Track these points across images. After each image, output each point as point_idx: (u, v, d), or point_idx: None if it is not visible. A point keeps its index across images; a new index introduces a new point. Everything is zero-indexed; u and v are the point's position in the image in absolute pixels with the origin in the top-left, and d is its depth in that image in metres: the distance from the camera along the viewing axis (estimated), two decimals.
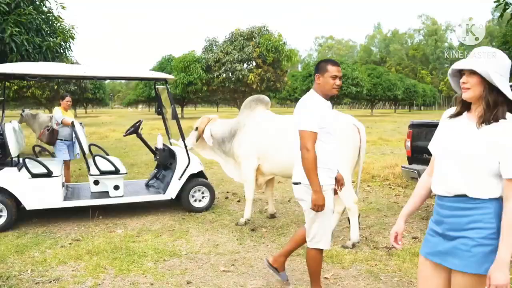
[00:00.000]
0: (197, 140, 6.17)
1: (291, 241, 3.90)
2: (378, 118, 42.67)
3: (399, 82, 56.55)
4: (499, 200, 2.08)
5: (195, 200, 6.52)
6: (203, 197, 6.57)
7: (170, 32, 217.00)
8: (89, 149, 7.00)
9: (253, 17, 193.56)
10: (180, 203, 6.54)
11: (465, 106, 2.23)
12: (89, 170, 6.34)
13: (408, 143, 6.43)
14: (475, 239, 2.06)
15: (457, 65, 2.18)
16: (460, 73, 2.20)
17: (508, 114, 2.07)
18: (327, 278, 4.12)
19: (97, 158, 6.36)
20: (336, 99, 43.73)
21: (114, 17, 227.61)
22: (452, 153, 2.18)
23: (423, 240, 2.39)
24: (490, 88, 2.07)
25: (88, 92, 39.89)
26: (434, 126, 6.30)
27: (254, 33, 29.90)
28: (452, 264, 2.15)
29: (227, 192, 7.95)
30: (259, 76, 28.94)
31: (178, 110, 49.05)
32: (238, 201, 7.18)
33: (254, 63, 29.84)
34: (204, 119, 6.12)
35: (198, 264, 4.49)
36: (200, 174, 6.67)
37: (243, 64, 29.93)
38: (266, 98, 5.93)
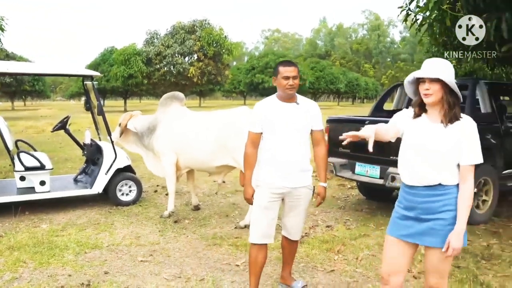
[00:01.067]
0: (120, 135, 6.33)
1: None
2: (321, 111, 43.51)
3: (341, 75, 58.06)
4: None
5: (122, 194, 6.66)
6: (130, 191, 6.72)
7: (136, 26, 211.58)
8: (16, 145, 6.98)
9: (207, 10, 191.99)
10: (108, 197, 6.68)
11: (423, 109, 2.63)
12: (14, 166, 6.36)
13: (326, 137, 6.79)
14: (448, 220, 2.52)
15: (419, 74, 2.55)
16: (419, 80, 2.57)
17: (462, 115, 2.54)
18: (238, 265, 4.42)
19: (21, 154, 6.37)
20: None
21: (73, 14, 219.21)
22: (420, 150, 2.60)
23: (389, 223, 2.77)
24: (449, 92, 2.50)
25: (25, 84, 38.51)
26: (349, 121, 6.72)
27: (195, 27, 29.93)
28: (429, 242, 2.59)
29: (157, 185, 8.12)
30: (200, 69, 29.04)
31: (121, 102, 48.25)
32: (166, 195, 7.32)
33: (195, 57, 29.93)
34: (127, 116, 6.32)
35: (118, 255, 4.69)
36: (128, 169, 6.83)
37: (184, 58, 29.94)
38: (181, 95, 6.18)
